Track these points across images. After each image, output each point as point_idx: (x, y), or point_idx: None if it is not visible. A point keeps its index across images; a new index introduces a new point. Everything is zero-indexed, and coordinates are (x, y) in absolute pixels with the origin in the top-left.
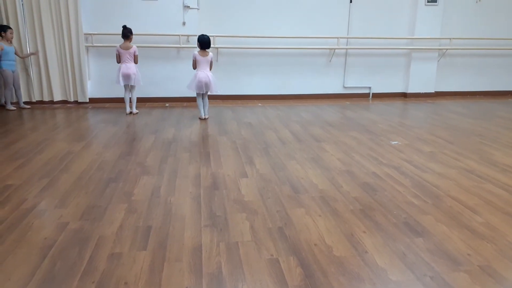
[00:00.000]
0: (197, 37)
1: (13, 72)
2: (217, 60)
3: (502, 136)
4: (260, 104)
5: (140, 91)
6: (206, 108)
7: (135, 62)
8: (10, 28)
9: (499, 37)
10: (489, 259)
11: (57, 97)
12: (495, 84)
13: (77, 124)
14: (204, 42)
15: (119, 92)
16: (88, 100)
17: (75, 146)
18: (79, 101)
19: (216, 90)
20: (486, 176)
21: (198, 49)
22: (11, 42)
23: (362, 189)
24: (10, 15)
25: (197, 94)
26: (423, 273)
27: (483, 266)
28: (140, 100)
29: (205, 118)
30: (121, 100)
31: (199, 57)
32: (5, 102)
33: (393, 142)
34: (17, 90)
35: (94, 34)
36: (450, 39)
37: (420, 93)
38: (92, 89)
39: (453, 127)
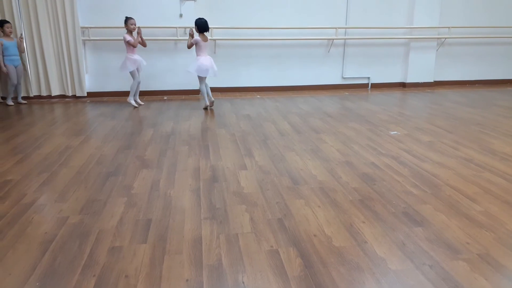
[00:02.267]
0: (195, 21)
1: (16, 67)
2: (214, 52)
3: (501, 125)
4: (258, 96)
5: None
6: (210, 92)
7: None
8: (7, 22)
9: (497, 25)
10: (488, 248)
11: (55, 91)
12: (494, 72)
13: (76, 118)
14: (203, 25)
15: (117, 86)
16: (86, 94)
17: (74, 141)
18: (77, 95)
19: (216, 74)
20: (485, 165)
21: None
22: (11, 37)
23: (361, 180)
24: (6, 10)
25: (201, 80)
26: (422, 262)
27: (482, 254)
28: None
29: (211, 107)
30: (119, 94)
31: (201, 43)
32: (6, 98)
33: (392, 132)
34: (17, 85)
35: (90, 27)
36: (448, 27)
37: (419, 82)
38: (90, 83)
39: (452, 117)
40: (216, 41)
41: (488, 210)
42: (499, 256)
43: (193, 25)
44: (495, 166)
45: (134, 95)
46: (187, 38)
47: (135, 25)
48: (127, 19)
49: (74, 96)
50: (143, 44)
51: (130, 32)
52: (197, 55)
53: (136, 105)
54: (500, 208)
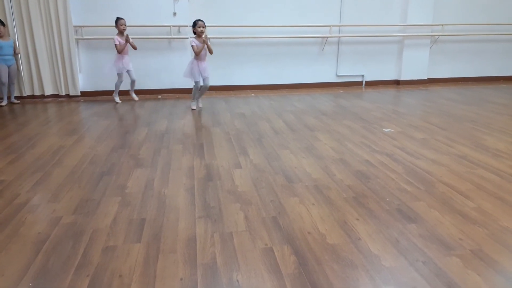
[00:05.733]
0: (193, 22)
1: (9, 66)
2: None
3: (494, 122)
4: (253, 94)
5: None
6: (202, 94)
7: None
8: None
9: (490, 23)
10: (481, 244)
11: (48, 91)
12: (487, 70)
13: (69, 118)
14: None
15: (111, 85)
16: (79, 94)
17: (67, 140)
18: (70, 94)
19: (203, 81)
20: (478, 162)
21: (193, 35)
22: (6, 37)
23: (355, 177)
24: None
25: (196, 83)
26: (415, 259)
27: (475, 250)
28: None
29: (196, 108)
30: (113, 93)
31: (200, 44)
32: (1, 98)
33: (386, 130)
34: (10, 84)
35: (84, 26)
36: (442, 25)
37: (413, 80)
38: (84, 82)
39: (445, 114)
40: (210, 39)
41: (481, 206)
42: (491, 252)
43: (187, 24)
44: (488, 163)
45: (118, 93)
46: (181, 36)
47: (125, 25)
48: (117, 20)
49: (67, 96)
50: (134, 47)
51: (121, 32)
52: (193, 58)
53: (119, 101)
54: (493, 204)
